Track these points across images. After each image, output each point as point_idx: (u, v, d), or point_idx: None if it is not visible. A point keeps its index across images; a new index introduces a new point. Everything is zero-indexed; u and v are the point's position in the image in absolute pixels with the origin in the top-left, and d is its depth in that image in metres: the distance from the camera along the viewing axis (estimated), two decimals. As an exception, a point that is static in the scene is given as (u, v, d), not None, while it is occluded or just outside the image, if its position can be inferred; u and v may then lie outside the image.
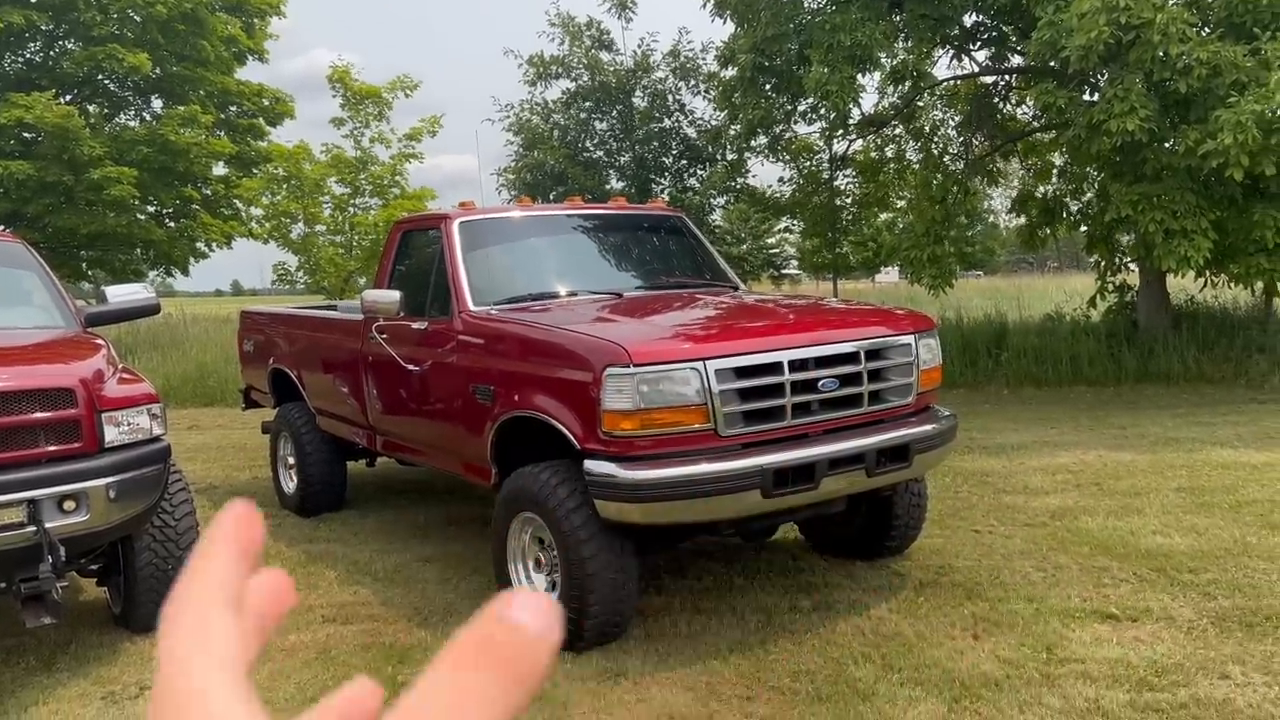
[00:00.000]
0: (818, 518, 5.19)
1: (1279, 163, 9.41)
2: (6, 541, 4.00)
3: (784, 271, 32.50)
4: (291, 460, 7.27)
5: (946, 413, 5.07)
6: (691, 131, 18.76)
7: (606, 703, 3.87)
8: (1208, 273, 11.86)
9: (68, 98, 20.57)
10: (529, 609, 0.36)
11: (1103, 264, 13.69)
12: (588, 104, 18.76)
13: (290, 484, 7.30)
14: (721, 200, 19.24)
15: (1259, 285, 12.01)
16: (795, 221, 19.73)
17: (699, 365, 4.13)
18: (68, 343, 5.02)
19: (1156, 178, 10.48)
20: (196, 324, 20.30)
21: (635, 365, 4.05)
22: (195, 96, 20.78)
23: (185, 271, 22.70)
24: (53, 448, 4.19)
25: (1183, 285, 14.03)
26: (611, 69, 18.56)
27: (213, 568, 0.40)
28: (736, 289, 6.15)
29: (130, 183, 18.58)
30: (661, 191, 18.63)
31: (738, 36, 13.83)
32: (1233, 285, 12.27)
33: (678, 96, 18.79)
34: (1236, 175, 9.40)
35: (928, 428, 4.76)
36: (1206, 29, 10.14)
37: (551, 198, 17.58)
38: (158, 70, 20.62)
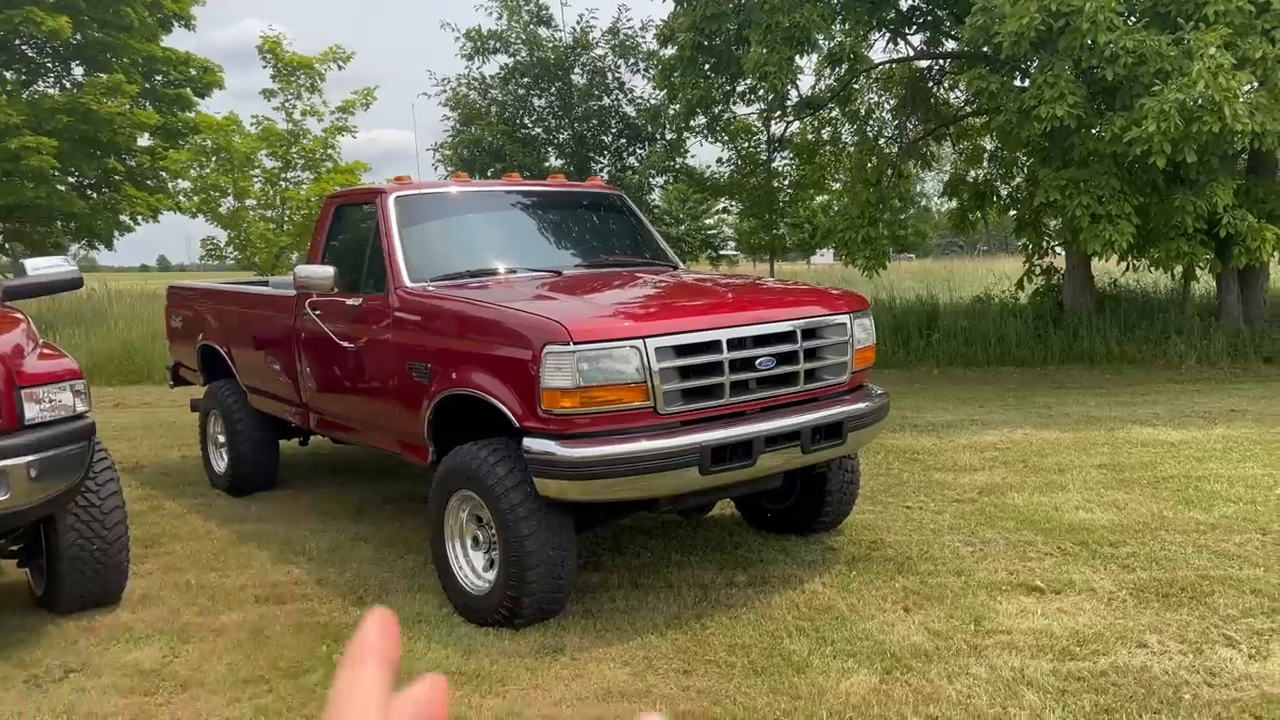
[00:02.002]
0: (754, 494, 5.26)
1: (1199, 150, 9.72)
2: (-79, 522, 3.86)
3: (722, 252, 32.75)
4: (222, 438, 7.12)
5: (879, 391, 5.16)
6: (631, 110, 18.72)
7: (544, 679, 3.89)
8: (1130, 257, 12.23)
9: (-19, 63, 19.72)
10: None
11: (1030, 247, 14.02)
12: (526, 80, 18.59)
13: (221, 463, 7.16)
14: (660, 180, 19.25)
15: (1178, 269, 12.41)
16: (733, 202, 19.86)
17: (639, 343, 4.14)
18: (-15, 317, 4.84)
19: (1083, 163, 10.75)
20: (122, 300, 19.69)
21: (575, 343, 4.04)
22: (118, 64, 20.00)
23: (109, 245, 21.93)
24: (-30, 425, 4.05)
25: (1106, 269, 14.44)
26: (550, 45, 18.40)
27: (364, 682, 0.44)
28: (676, 268, 6.17)
29: (49, 153, 17.87)
30: (600, 170, 18.57)
31: (677, 15, 13.80)
32: (1153, 269, 12.67)
33: (617, 74, 18.74)
34: (1159, 162, 9.68)
35: (861, 406, 4.85)
36: (1133, 18, 10.39)
37: (489, 174, 17.41)
38: (78, 35, 19.80)
